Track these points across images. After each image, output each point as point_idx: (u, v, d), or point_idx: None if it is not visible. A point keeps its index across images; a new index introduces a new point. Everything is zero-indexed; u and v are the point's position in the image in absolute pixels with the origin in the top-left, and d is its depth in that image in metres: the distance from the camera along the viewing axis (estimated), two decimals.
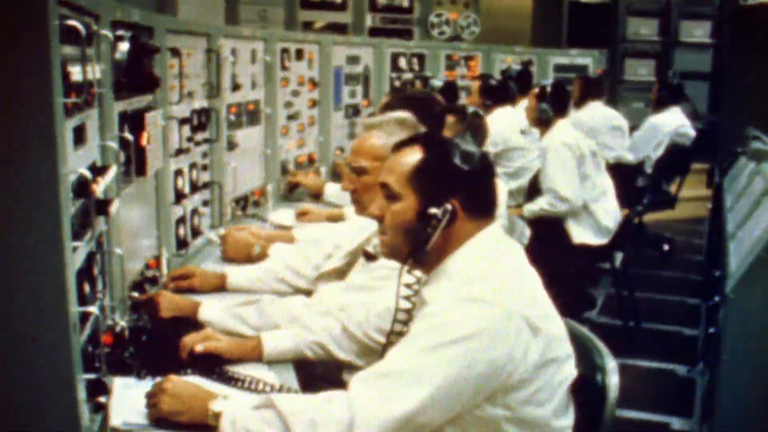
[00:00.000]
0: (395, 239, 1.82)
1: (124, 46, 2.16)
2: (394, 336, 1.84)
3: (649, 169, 6.22)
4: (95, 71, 1.87)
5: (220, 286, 2.67)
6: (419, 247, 1.77)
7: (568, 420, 1.77)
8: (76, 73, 1.68)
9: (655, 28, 8.82)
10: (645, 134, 6.42)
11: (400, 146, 1.86)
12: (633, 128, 6.52)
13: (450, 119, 3.45)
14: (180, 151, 2.87)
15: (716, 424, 2.96)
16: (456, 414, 1.66)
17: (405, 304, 1.85)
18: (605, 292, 5.50)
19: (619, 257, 4.60)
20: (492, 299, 1.65)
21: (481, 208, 1.80)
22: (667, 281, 5.99)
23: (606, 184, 4.66)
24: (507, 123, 5.27)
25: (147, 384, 1.88)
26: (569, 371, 1.76)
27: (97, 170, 1.79)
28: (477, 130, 3.51)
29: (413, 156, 1.80)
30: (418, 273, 1.85)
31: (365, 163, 2.37)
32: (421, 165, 1.78)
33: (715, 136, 8.00)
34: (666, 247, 6.45)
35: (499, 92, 5.44)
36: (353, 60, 4.98)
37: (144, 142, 2.27)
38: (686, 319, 5.16)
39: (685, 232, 7.33)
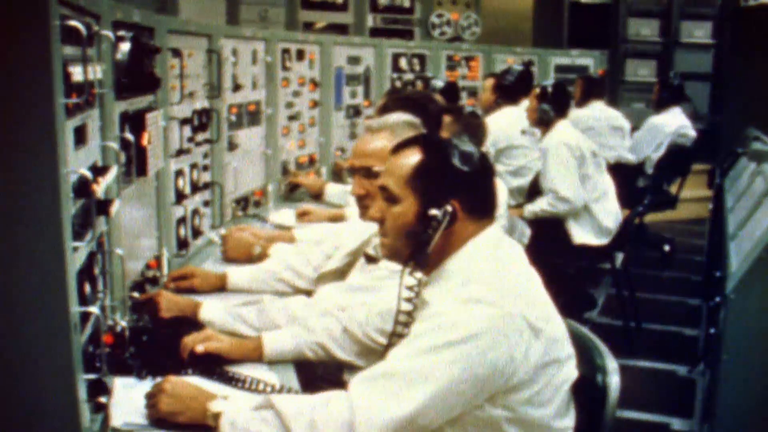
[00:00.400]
0: (396, 241, 1.81)
1: (125, 47, 2.16)
2: (395, 338, 1.84)
3: (649, 170, 6.22)
4: (96, 71, 1.87)
5: (220, 287, 2.67)
6: (420, 248, 1.77)
7: (569, 421, 1.77)
8: (77, 73, 1.68)
9: (656, 28, 8.81)
10: (646, 135, 6.42)
11: (398, 148, 1.85)
12: (634, 129, 6.52)
13: (447, 119, 3.44)
14: (181, 152, 2.87)
15: (717, 425, 2.96)
16: (457, 415, 1.66)
17: (406, 306, 1.85)
18: (606, 293, 5.50)
19: (619, 257, 4.60)
20: (493, 300, 1.65)
21: (482, 209, 1.80)
22: (667, 282, 5.99)
23: (607, 184, 4.66)
24: (512, 122, 5.27)
25: (147, 384, 1.88)
26: (570, 372, 1.76)
27: (98, 170, 1.79)
28: (475, 130, 3.50)
29: (412, 158, 1.80)
30: (418, 274, 1.85)
31: (382, 166, 2.31)
32: (421, 166, 1.78)
33: (716, 137, 7.99)
34: (667, 247, 6.44)
35: (512, 91, 5.43)
36: (354, 60, 4.99)
37: (145, 142, 2.27)
38: (687, 319, 5.15)
39: (686, 233, 7.33)
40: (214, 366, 2.05)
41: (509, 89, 5.41)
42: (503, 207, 3.30)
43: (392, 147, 1.88)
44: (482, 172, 1.80)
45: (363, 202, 2.36)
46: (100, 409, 1.75)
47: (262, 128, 3.84)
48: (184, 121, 2.90)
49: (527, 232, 3.60)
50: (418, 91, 4.82)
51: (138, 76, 2.25)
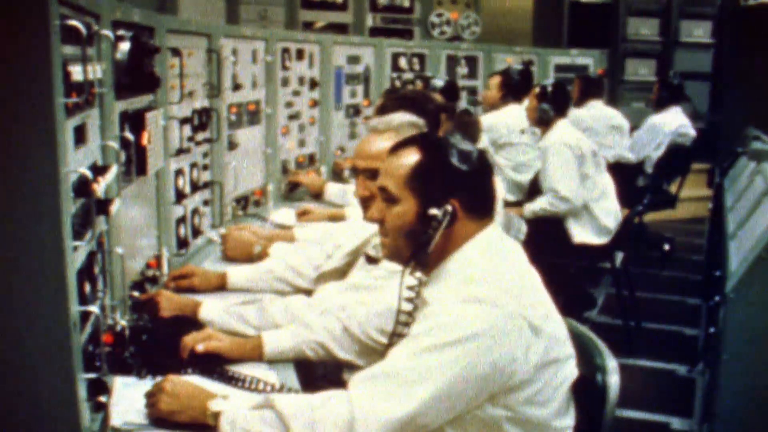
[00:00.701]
0: (396, 242, 1.81)
1: (124, 46, 2.16)
2: (395, 337, 1.84)
3: (649, 169, 6.23)
4: (96, 71, 1.88)
5: (220, 286, 2.67)
6: (421, 249, 1.76)
7: (569, 420, 1.77)
8: (76, 72, 1.68)
9: (656, 28, 8.81)
10: (645, 134, 6.42)
11: (396, 148, 1.85)
12: (633, 128, 6.52)
13: (441, 117, 3.44)
14: (180, 151, 2.87)
15: (716, 424, 2.96)
16: (457, 414, 1.66)
17: (406, 306, 1.84)
18: (605, 292, 5.50)
19: (619, 257, 4.60)
20: (493, 300, 1.65)
21: (481, 208, 1.80)
22: (667, 281, 5.99)
23: (606, 183, 4.66)
24: (513, 119, 5.28)
25: (147, 383, 1.88)
26: (570, 371, 1.76)
27: (98, 170, 1.79)
28: (467, 127, 3.49)
29: (410, 158, 1.79)
30: (418, 274, 1.85)
31: None
32: (419, 167, 1.77)
33: (716, 136, 8.00)
34: (666, 246, 6.45)
35: (518, 89, 5.43)
36: (354, 60, 4.98)
37: (145, 141, 2.27)
38: (686, 319, 5.16)
39: (686, 232, 7.33)
40: (214, 365, 2.05)
41: (516, 87, 5.42)
42: (499, 203, 3.29)
43: (390, 147, 1.87)
44: (481, 170, 1.80)
45: (367, 203, 2.33)
46: (100, 409, 1.75)
47: (262, 127, 3.84)
48: (184, 121, 2.90)
49: (524, 228, 3.60)
50: (416, 90, 4.83)
51: (138, 76, 2.24)
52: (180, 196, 2.89)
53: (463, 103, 5.87)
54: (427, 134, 2.13)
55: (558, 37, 8.70)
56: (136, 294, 2.38)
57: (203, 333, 2.15)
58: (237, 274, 2.69)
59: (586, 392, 1.82)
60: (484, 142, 4.66)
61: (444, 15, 7.88)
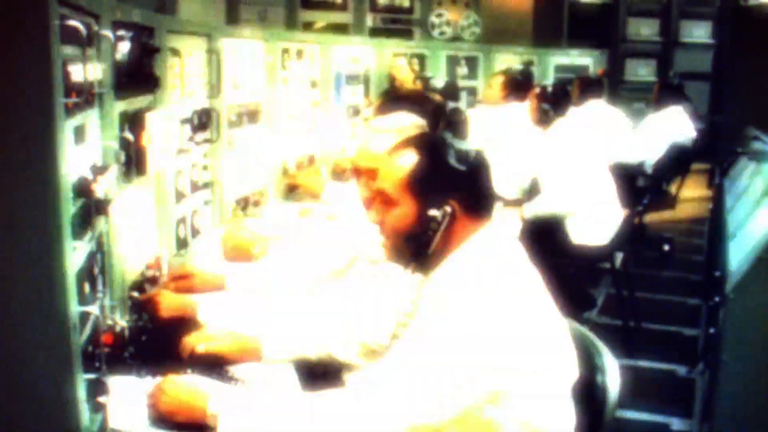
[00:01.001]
0: (397, 244, 1.81)
1: (124, 46, 2.16)
2: (395, 338, 1.84)
3: (649, 170, 6.22)
4: (96, 71, 1.87)
5: (219, 287, 2.67)
6: (421, 250, 1.76)
7: (569, 421, 1.76)
8: (76, 72, 1.68)
9: (656, 28, 8.82)
10: (645, 134, 6.42)
11: (392, 151, 1.84)
12: (633, 128, 6.52)
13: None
14: (180, 151, 2.87)
15: (716, 425, 2.96)
16: (456, 413, 1.66)
17: (406, 306, 1.84)
18: (605, 292, 5.50)
19: (619, 257, 4.60)
20: (493, 299, 1.65)
21: (480, 207, 1.80)
22: (667, 281, 5.99)
23: (606, 184, 4.66)
24: (515, 118, 5.28)
25: (147, 384, 1.88)
26: (570, 372, 1.75)
27: (98, 170, 1.79)
28: (457, 126, 3.50)
29: (407, 160, 1.79)
30: (418, 275, 1.85)
31: None
32: (417, 168, 1.77)
33: (716, 137, 8.00)
34: (666, 247, 6.44)
35: (521, 88, 5.43)
36: (354, 60, 4.98)
37: (144, 142, 2.27)
38: (686, 319, 5.15)
39: (686, 233, 7.32)
40: (214, 366, 2.05)
41: (519, 87, 5.42)
42: None
43: (387, 150, 1.87)
44: (479, 170, 1.79)
45: (369, 204, 2.33)
46: (100, 409, 1.75)
47: (262, 128, 3.83)
48: (184, 121, 2.90)
49: (518, 225, 3.61)
50: (414, 90, 4.82)
51: (138, 76, 2.24)
52: (180, 196, 2.88)
53: (463, 104, 5.88)
54: (423, 135, 2.12)
55: (558, 37, 8.71)
56: (135, 294, 2.38)
57: (203, 333, 2.15)
58: (236, 275, 2.69)
59: (587, 393, 1.82)
60: (482, 139, 4.66)
61: (444, 15, 7.88)
